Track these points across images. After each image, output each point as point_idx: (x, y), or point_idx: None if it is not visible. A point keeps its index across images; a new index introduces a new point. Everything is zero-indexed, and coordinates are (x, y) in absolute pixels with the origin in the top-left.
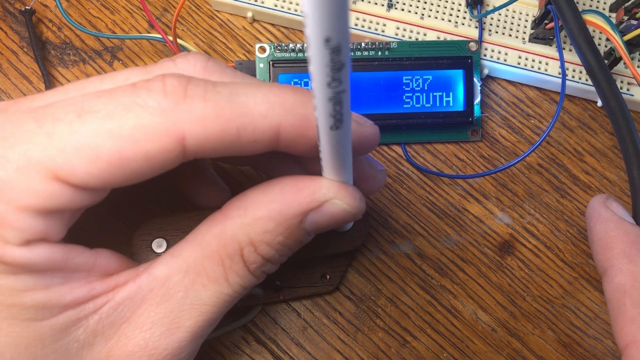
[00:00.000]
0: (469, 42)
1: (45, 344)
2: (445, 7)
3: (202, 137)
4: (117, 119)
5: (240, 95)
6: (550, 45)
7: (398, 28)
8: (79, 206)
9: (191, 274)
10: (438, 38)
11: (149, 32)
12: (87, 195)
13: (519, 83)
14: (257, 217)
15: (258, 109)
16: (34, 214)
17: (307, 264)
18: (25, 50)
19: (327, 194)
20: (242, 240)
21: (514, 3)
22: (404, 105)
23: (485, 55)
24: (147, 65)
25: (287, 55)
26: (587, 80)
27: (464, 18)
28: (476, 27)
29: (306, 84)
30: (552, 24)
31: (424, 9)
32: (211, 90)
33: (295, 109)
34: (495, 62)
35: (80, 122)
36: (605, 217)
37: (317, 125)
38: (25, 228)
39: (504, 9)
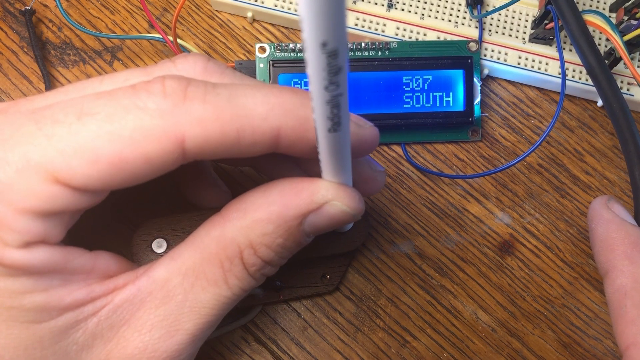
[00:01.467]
0: (469, 42)
1: (44, 346)
2: (445, 7)
3: (201, 139)
4: (116, 121)
5: (239, 97)
6: (550, 45)
7: (398, 28)
8: (78, 208)
9: (190, 277)
10: (438, 38)
11: (149, 32)
12: (87, 197)
13: (519, 83)
14: (256, 220)
15: (258, 111)
16: (34, 216)
17: (307, 264)
18: (25, 50)
19: (326, 195)
20: (241, 242)
21: (514, 3)
22: (404, 105)
23: (485, 55)
24: (147, 66)
25: (287, 55)
26: (587, 80)
27: (464, 18)
28: (476, 27)
29: (306, 84)
30: (552, 24)
31: (424, 9)
32: (211, 92)
33: (295, 111)
34: (495, 62)
35: (80, 123)
36: (607, 218)
37: (315, 127)
38: (24, 230)
39: (504, 9)
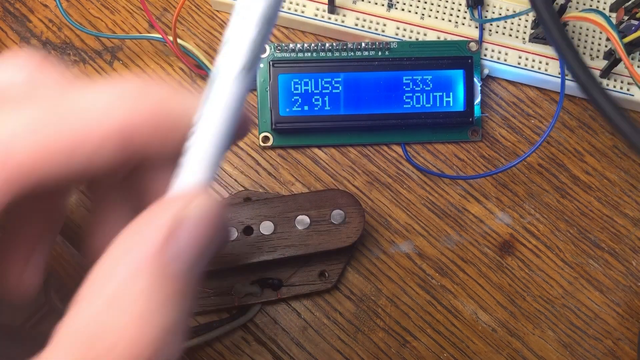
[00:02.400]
0: (469, 42)
1: None
2: (446, 7)
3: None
4: None
5: (70, 93)
6: (550, 45)
7: (398, 28)
8: None
9: None
10: (438, 38)
11: (149, 32)
12: None
13: (519, 83)
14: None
15: (97, 104)
16: None
17: (305, 262)
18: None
19: (187, 201)
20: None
21: (513, 4)
22: (404, 105)
23: (485, 55)
24: None
25: (287, 55)
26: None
27: (464, 18)
28: (476, 27)
29: (306, 84)
30: None
31: (424, 9)
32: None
33: (150, 94)
34: (495, 62)
35: None
36: None
37: (218, 72)
38: None
39: (504, 9)
